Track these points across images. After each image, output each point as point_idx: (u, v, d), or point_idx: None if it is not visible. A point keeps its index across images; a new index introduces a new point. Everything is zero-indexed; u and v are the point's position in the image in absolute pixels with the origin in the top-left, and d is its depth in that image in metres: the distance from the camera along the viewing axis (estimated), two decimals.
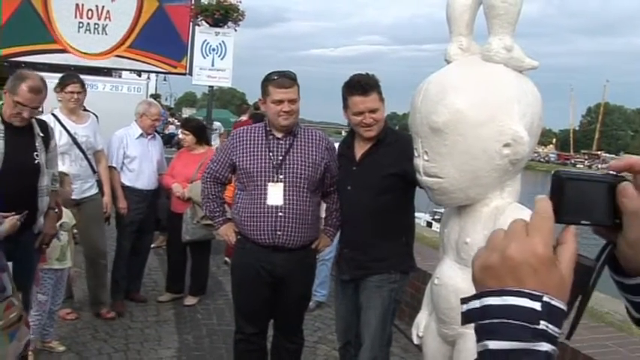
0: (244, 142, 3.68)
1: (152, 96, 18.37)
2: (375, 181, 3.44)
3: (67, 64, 12.63)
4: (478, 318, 0.75)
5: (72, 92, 5.14)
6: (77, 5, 12.64)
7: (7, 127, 3.64)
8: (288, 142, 3.65)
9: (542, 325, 0.71)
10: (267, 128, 3.70)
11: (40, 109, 3.90)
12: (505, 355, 0.71)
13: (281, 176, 3.56)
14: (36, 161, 3.70)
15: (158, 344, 4.92)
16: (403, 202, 3.40)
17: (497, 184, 2.33)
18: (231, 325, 4.16)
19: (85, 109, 5.66)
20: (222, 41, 11.96)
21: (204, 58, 11.98)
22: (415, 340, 2.80)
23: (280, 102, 3.56)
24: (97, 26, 12.88)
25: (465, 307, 0.77)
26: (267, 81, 3.63)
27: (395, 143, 3.45)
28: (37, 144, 3.75)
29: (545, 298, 0.72)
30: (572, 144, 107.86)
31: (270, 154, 3.61)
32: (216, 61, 11.93)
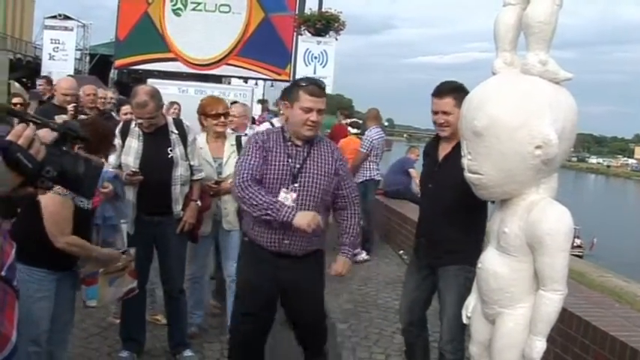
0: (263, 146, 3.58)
1: (259, 101, 19.22)
2: (455, 181, 3.59)
3: (179, 72, 13.68)
4: None
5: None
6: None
7: (143, 132, 4.39)
8: (306, 150, 3.59)
9: None
10: (285, 134, 3.61)
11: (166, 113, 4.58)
12: None
13: (296, 185, 3.51)
14: (170, 155, 4.38)
15: None
16: (477, 203, 3.37)
17: (533, 181, 2.65)
18: None
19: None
20: (324, 50, 12.47)
21: (307, 65, 12.55)
22: (464, 320, 3.14)
23: (309, 110, 3.48)
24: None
25: None
26: (298, 86, 3.55)
27: None
28: (172, 140, 4.41)
29: None
30: None
31: (290, 160, 3.55)
32: (318, 69, 12.46)
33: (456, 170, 3.63)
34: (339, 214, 3.78)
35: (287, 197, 3.47)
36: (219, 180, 4.87)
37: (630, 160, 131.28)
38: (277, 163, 3.51)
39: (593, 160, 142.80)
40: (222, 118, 5.00)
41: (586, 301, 4.49)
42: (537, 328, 2.64)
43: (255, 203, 3.39)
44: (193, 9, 13.74)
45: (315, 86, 3.50)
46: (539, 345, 2.63)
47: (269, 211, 3.37)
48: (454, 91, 3.71)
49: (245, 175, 3.45)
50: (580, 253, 25.07)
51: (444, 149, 3.84)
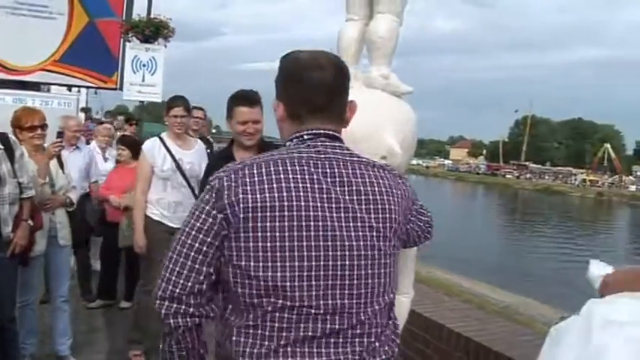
0: None
1: (82, 109, 18.24)
2: None
3: None
4: None
5: (175, 116, 5.00)
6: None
7: None
8: None
9: None
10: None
11: None
12: None
13: None
14: None
15: (90, 350, 5.19)
16: None
17: None
18: None
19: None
20: (153, 57, 12.13)
21: (135, 73, 12.12)
22: None
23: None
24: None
25: None
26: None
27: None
28: None
29: None
30: (501, 155, 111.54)
31: None
32: (147, 77, 12.09)
33: None
34: None
35: None
36: (54, 191, 4.72)
37: (446, 161, 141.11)
38: None
39: (414, 161, 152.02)
40: (39, 131, 4.70)
41: (423, 298, 4.78)
42: None
43: None
44: (10, 12, 12.77)
45: None
46: None
47: None
48: (259, 100, 3.79)
49: None
50: None
51: (241, 158, 3.84)
